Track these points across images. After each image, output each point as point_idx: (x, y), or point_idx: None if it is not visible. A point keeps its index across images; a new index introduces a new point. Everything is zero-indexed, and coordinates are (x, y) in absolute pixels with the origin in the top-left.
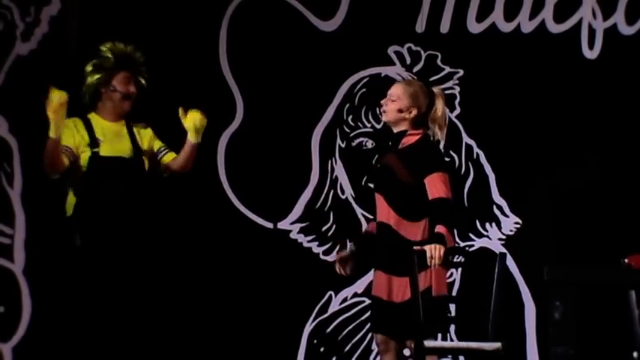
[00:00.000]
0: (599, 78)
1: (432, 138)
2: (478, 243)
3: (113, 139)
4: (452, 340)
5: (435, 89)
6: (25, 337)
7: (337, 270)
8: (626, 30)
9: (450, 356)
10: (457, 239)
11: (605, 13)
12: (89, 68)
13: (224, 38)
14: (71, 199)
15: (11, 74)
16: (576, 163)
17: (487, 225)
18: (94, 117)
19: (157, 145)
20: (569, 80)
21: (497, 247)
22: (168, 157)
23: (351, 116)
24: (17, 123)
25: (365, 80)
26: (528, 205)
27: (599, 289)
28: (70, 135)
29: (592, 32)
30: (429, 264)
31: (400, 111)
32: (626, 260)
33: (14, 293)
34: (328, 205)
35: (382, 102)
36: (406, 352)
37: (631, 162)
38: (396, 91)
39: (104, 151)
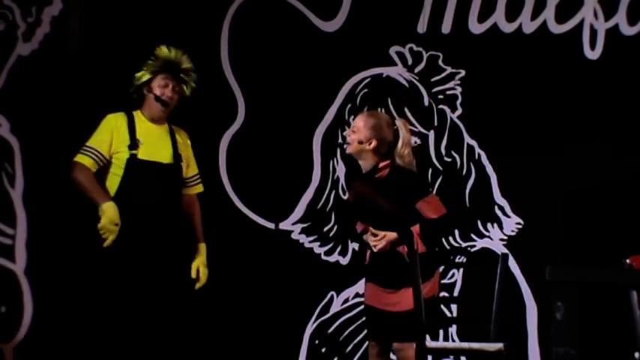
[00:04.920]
0: (600, 78)
1: (399, 164)
2: (480, 243)
3: (154, 142)
4: (454, 340)
5: (397, 122)
6: (27, 338)
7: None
8: (627, 30)
9: (452, 357)
10: (459, 240)
11: (607, 14)
12: (142, 69)
13: (225, 38)
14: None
15: (13, 74)
16: (578, 163)
17: (489, 225)
18: (138, 115)
19: (192, 171)
20: (570, 81)
21: (499, 248)
22: (196, 189)
23: (352, 117)
24: (19, 123)
25: (367, 81)
26: (530, 206)
27: (600, 290)
28: (108, 136)
29: (594, 33)
30: (371, 243)
31: (360, 142)
32: (627, 261)
33: (16, 294)
34: (330, 205)
35: (345, 134)
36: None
37: (633, 162)
38: (357, 122)
39: (143, 154)
